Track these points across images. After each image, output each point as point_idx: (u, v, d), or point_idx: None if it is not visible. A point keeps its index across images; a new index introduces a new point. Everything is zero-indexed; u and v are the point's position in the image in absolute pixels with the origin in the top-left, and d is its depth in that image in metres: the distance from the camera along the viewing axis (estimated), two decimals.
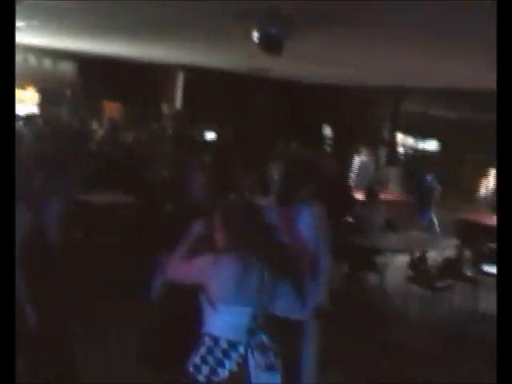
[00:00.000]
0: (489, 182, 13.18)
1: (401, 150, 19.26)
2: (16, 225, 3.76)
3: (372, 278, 9.60)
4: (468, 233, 10.91)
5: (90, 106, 17.67)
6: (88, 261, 6.58)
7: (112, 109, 18.10)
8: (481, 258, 8.91)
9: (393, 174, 15.92)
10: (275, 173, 5.16)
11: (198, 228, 3.93)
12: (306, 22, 8.36)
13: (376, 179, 15.44)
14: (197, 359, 3.65)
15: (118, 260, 9.09)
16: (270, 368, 3.70)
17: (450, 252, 9.17)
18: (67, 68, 17.75)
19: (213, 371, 3.59)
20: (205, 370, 3.60)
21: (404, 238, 9.65)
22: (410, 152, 19.15)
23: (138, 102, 18.02)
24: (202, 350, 3.63)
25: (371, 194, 10.03)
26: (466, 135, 16.44)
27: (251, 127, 18.27)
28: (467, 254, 9.34)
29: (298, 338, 5.28)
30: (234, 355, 3.58)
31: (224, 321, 3.60)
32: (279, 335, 3.87)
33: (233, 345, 3.59)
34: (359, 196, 10.79)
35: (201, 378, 3.60)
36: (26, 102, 16.87)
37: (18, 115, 15.36)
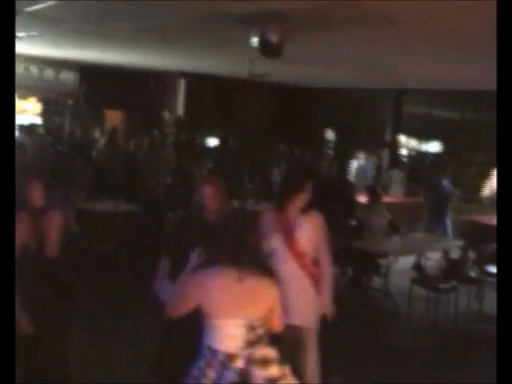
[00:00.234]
0: (492, 183, 13.15)
1: (403, 151, 19.23)
2: (16, 234, 3.77)
3: (376, 281, 9.59)
4: (472, 234, 10.89)
5: (91, 114, 17.71)
6: (90, 269, 6.59)
7: (113, 117, 18.14)
8: (485, 259, 8.88)
9: (395, 176, 15.89)
10: (277, 178, 5.14)
11: (195, 258, 3.90)
12: (305, 26, 8.37)
13: (378, 181, 15.44)
14: (196, 372, 3.62)
15: (119, 268, 9.11)
16: (272, 381, 3.66)
17: (454, 253, 9.15)
18: (68, 77, 17.77)
19: None
20: (205, 382, 3.57)
21: (407, 240, 9.62)
22: (413, 154, 19.11)
23: (139, 110, 18.06)
24: (201, 363, 3.61)
25: (373, 196, 10.01)
26: (469, 136, 16.42)
27: (252, 132, 18.30)
28: (471, 255, 9.31)
29: (303, 348, 5.26)
30: (234, 368, 3.54)
31: (222, 333, 3.57)
32: (283, 347, 3.83)
33: (231, 357, 3.55)
34: (361, 199, 10.77)
35: None
36: (28, 111, 16.92)
37: (19, 125, 15.44)
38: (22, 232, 4.11)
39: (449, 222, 11.94)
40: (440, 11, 6.83)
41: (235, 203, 9.30)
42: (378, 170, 17.48)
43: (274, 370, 3.66)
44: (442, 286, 8.43)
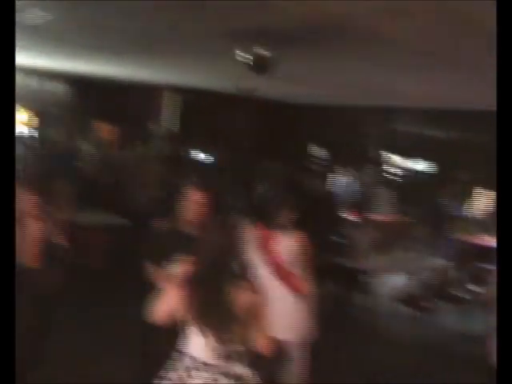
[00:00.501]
0: (478, 202, 13.20)
1: (391, 169, 19.25)
2: None
3: (359, 299, 9.58)
4: (456, 253, 10.91)
5: (79, 126, 17.65)
6: (75, 282, 6.54)
7: (101, 129, 18.09)
8: (468, 278, 8.90)
9: (382, 194, 15.90)
10: (261, 193, 5.16)
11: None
12: (293, 42, 8.39)
13: (364, 199, 15.45)
14: (173, 375, 3.61)
15: (106, 281, 9.05)
16: None
17: (438, 272, 9.16)
18: (56, 88, 17.73)
19: None
20: None
21: (392, 258, 9.62)
22: (400, 172, 19.14)
23: (127, 122, 18.02)
24: (180, 368, 3.59)
25: (359, 213, 10.03)
26: (457, 155, 16.44)
27: (238, 146, 18.30)
28: (454, 273, 9.34)
29: (286, 361, 5.24)
30: (207, 377, 3.53)
31: (201, 343, 3.56)
32: (261, 366, 3.80)
33: (208, 367, 3.54)
34: (347, 216, 10.78)
35: None
36: (17, 122, 16.85)
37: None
38: None
39: (442, 242, 11.97)
40: (430, 29, 6.86)
41: (218, 217, 9.27)
42: (365, 188, 17.50)
43: None
44: (427, 304, 8.44)
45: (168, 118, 19.10)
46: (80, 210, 10.16)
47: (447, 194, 14.03)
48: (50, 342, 5.16)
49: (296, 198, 5.32)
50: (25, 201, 4.41)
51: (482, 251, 10.24)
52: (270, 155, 17.11)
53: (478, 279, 8.47)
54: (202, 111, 18.50)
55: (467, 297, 8.81)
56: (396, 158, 18.88)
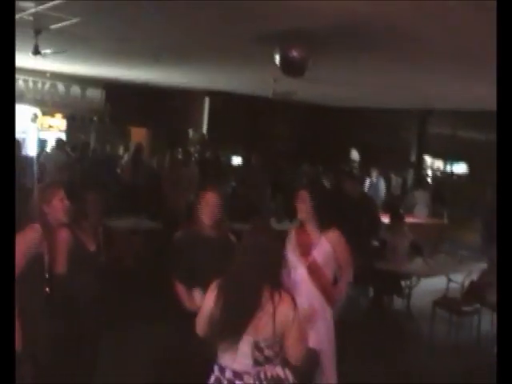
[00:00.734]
0: None
1: (428, 172, 19.10)
2: (25, 247, 3.81)
3: (397, 302, 9.49)
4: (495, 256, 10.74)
5: (116, 131, 17.80)
6: (107, 287, 6.56)
7: (138, 134, 18.22)
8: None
9: (420, 196, 15.74)
10: (300, 197, 5.14)
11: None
12: (329, 44, 8.36)
13: (402, 202, 15.34)
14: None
15: (138, 286, 9.05)
16: None
17: (477, 276, 9.02)
18: (94, 94, 17.91)
19: None
20: None
21: (430, 261, 9.50)
22: (438, 174, 18.97)
23: (163, 127, 18.13)
24: (212, 379, 3.58)
25: (397, 216, 9.94)
26: (493, 157, 16.25)
27: (276, 151, 18.30)
28: (494, 277, 9.18)
29: (319, 371, 5.18)
30: None
31: (230, 351, 3.52)
32: (298, 369, 3.76)
33: (239, 375, 3.50)
34: (385, 219, 10.68)
35: None
36: (54, 128, 17.07)
37: (45, 140, 15.59)
38: (32, 242, 4.11)
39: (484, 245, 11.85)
40: (469, 31, 6.79)
41: (258, 222, 9.23)
42: (403, 191, 17.36)
43: None
44: (465, 308, 8.32)
45: (205, 122, 19.17)
46: (118, 215, 10.20)
47: (488, 196, 13.84)
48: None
49: (336, 202, 5.28)
50: (58, 208, 4.42)
51: None
52: (308, 159, 17.08)
53: None
54: (239, 115, 18.55)
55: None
56: (435, 161, 18.73)
